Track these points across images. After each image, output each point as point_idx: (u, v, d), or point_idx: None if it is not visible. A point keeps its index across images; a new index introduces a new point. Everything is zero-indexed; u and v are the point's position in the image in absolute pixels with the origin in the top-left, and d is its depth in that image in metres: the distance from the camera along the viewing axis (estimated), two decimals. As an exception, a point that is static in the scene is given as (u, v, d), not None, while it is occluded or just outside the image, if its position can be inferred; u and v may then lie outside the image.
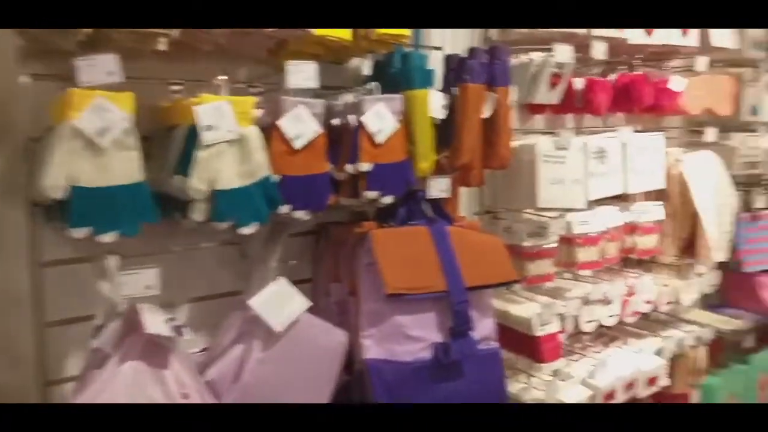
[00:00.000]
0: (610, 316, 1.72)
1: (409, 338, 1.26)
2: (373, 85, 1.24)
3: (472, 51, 1.36)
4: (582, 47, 1.56)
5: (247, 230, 1.07)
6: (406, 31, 1.25)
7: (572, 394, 1.62)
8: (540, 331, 1.49)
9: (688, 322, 2.09)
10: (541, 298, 1.63)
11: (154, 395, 1.00)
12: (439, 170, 1.37)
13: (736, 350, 2.34)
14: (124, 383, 0.97)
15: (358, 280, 1.27)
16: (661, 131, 1.90)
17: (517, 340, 1.56)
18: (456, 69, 1.36)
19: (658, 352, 1.89)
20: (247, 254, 1.28)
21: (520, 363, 1.61)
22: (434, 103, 1.32)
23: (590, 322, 1.66)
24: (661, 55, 1.91)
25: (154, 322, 1.00)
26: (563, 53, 1.50)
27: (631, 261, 2.02)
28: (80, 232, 0.94)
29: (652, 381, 1.81)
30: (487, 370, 1.32)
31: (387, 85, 1.27)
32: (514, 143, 1.51)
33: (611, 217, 1.69)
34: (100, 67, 0.94)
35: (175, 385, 1.02)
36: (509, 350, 1.58)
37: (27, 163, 1.03)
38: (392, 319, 1.25)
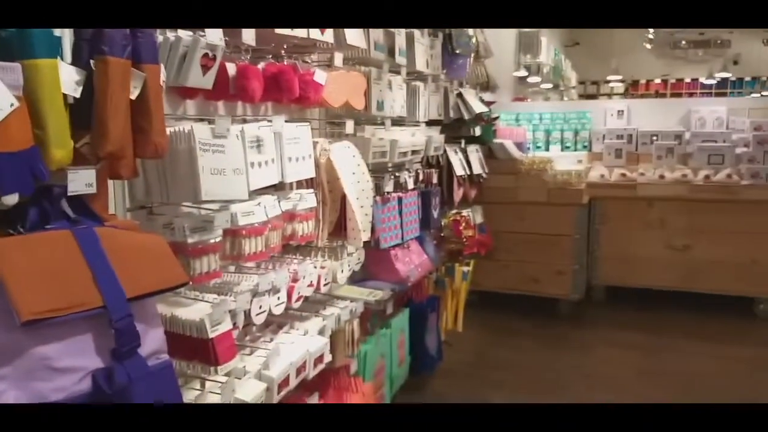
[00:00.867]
0: (278, 304, 1.73)
1: (58, 371, 1.01)
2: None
3: (111, 20, 1.16)
4: (229, 31, 1.50)
5: None
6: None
7: (247, 390, 1.57)
8: (213, 333, 1.39)
9: (342, 298, 2.26)
10: (208, 296, 1.52)
11: None
12: (80, 160, 1.13)
13: (379, 317, 2.66)
14: None
15: (-25, 308, 0.96)
16: (305, 122, 1.99)
17: (186, 345, 1.43)
18: (90, 39, 1.13)
19: (321, 331, 1.99)
20: None
21: (191, 369, 1.48)
22: (65, 77, 1.08)
23: (260, 313, 1.64)
24: (304, 48, 1.99)
25: None
26: (214, 34, 1.42)
27: (288, 247, 2.08)
28: None
29: (318, 360, 1.90)
30: (161, 388, 1.15)
31: (-4, 52, 0.98)
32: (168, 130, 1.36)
33: (272, 206, 1.69)
34: None
35: None
36: (179, 358, 1.44)
37: None
38: (32, 351, 0.98)
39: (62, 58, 1.09)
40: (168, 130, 1.39)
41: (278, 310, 1.73)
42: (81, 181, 1.11)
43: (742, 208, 4.12)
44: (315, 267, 1.96)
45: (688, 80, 11.58)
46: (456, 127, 3.67)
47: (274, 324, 1.97)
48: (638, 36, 11.32)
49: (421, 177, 3.01)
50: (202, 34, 1.39)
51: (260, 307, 1.64)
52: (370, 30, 2.23)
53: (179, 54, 1.39)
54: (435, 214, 3.15)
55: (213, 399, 1.47)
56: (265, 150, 1.66)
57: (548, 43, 7.84)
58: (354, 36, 2.05)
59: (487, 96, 4.12)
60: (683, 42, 11.66)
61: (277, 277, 1.70)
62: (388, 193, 2.61)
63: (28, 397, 0.99)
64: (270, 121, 1.72)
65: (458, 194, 3.54)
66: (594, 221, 4.49)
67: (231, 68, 1.59)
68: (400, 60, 2.59)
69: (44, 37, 1.03)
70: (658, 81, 11.82)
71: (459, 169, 3.49)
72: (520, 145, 4.69)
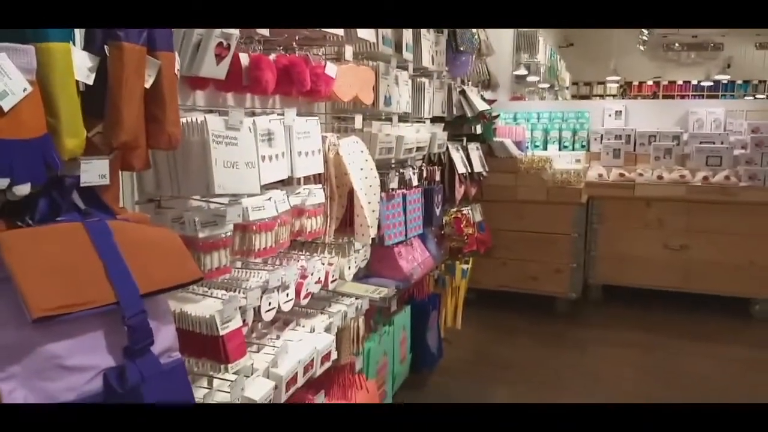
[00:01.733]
0: (287, 301, 1.69)
1: (68, 370, 0.97)
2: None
3: (126, 5, 1.11)
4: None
5: None
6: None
7: (256, 388, 1.53)
8: (224, 330, 1.35)
9: (347, 295, 2.23)
10: (217, 292, 1.48)
11: None
12: (91, 150, 1.09)
13: (382, 314, 2.62)
14: None
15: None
16: (313, 116, 1.95)
17: (196, 342, 1.39)
18: (105, 25, 1.09)
19: (328, 329, 1.96)
20: None
21: (199, 367, 1.44)
22: (78, 63, 1.03)
23: (269, 310, 1.60)
24: (314, 40, 1.95)
25: None
26: (228, 23, 1.37)
27: (296, 243, 2.04)
28: None
29: (325, 358, 1.86)
30: (173, 387, 1.11)
31: (7, 34, 0.93)
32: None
33: (282, 201, 1.65)
34: None
35: None
36: (188, 355, 1.40)
37: None
38: (42, 349, 0.94)
39: (74, 44, 1.05)
40: (182, 120, 1.35)
41: (287, 307, 1.69)
42: (94, 171, 1.06)
43: (740, 209, 4.12)
44: (323, 263, 1.92)
45: (680, 82, 11.65)
46: (458, 125, 3.64)
47: (280, 321, 1.93)
48: (632, 38, 11.36)
49: (424, 174, 2.98)
50: (217, 22, 1.34)
51: (269, 304, 1.60)
52: (380, 23, 2.19)
53: (193, 42, 1.35)
54: (437, 211, 3.12)
55: (221, 398, 1.43)
56: (276, 144, 1.62)
57: (545, 42, 7.84)
58: (364, 30, 2.01)
59: (488, 94, 4.10)
60: (676, 44, 11.72)
61: (286, 274, 1.66)
62: (392, 189, 2.58)
63: (37, 397, 0.95)
64: (281, 114, 1.68)
65: (460, 192, 3.51)
66: (592, 220, 4.48)
67: (244, 59, 1.55)
68: (407, 55, 2.56)
69: (58, 19, 0.99)
70: (650, 83, 11.87)
71: (461, 167, 3.46)
72: (518, 144, 4.67)
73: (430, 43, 2.83)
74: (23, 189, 0.94)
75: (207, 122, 1.32)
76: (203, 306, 1.39)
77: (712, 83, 11.13)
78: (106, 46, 1.07)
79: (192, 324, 1.37)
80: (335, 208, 2.01)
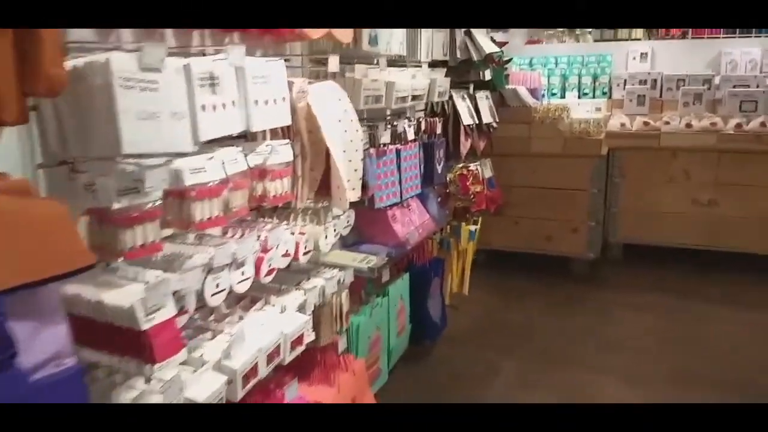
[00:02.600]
0: (242, 280, 1.43)
1: None
2: None
3: None
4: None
5: None
6: None
7: (202, 386, 1.29)
8: (147, 323, 1.10)
9: (331, 266, 1.96)
10: (149, 274, 1.22)
11: None
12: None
13: (375, 284, 2.36)
14: None
15: None
16: (280, 57, 1.64)
17: (118, 337, 1.13)
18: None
19: (302, 307, 1.70)
20: None
21: (125, 365, 1.19)
22: None
23: (217, 293, 1.34)
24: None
25: None
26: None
27: (265, 211, 1.77)
28: None
29: (297, 341, 1.61)
30: (63, 401, 0.87)
31: None
32: (76, 60, 1.03)
33: (233, 161, 1.37)
34: None
35: None
36: (110, 352, 1.15)
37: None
38: None
39: None
40: (82, 61, 1.06)
41: (242, 288, 1.43)
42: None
43: (778, 159, 3.74)
44: (292, 233, 1.65)
45: (711, 23, 10.92)
46: (463, 71, 3.28)
47: (247, 299, 1.68)
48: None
49: (423, 126, 2.66)
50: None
51: (217, 286, 1.34)
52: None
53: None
54: (439, 168, 2.82)
55: (154, 400, 1.18)
56: (222, 90, 1.33)
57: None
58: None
59: (499, 36, 3.71)
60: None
61: (239, 248, 1.39)
62: (384, 145, 2.28)
63: None
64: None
65: (465, 146, 3.19)
66: (613, 174, 4.13)
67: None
68: (398, -13, 2.21)
69: None
70: (679, 24, 11.17)
71: (467, 118, 3.13)
72: (534, 92, 4.30)
73: (427, -26, 2.46)
74: None
75: (111, 61, 1.03)
76: (124, 293, 1.13)
77: (745, 24, 10.41)
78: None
79: (108, 316, 1.11)
80: (308, 167, 1.72)
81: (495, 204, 3.69)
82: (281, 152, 1.55)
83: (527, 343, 3.07)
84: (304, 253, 1.71)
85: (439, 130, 2.82)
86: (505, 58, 3.74)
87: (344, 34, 1.84)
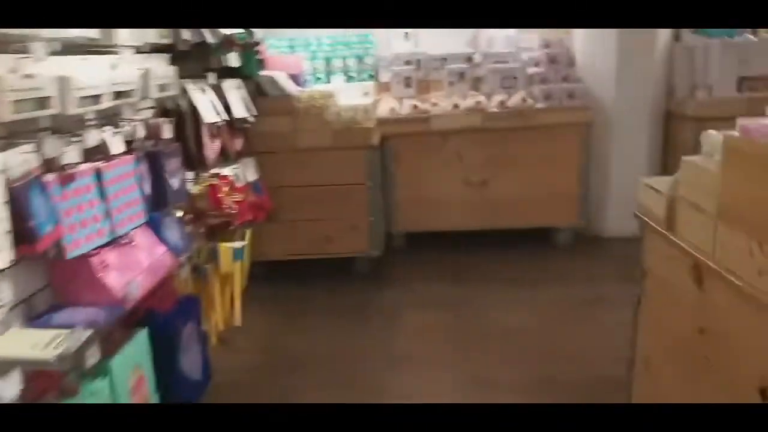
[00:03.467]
0: None
1: None
2: None
3: None
4: None
5: None
6: None
7: None
8: None
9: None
10: None
11: None
12: None
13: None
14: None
15: None
16: None
17: None
18: None
19: None
20: None
21: None
22: None
23: None
24: None
25: None
26: None
27: None
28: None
29: None
30: None
31: None
32: None
33: None
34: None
35: None
36: None
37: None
38: None
39: None
40: None
41: None
42: None
43: (539, 134, 3.79)
44: None
45: None
46: (200, 57, 2.67)
47: None
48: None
49: (140, 133, 2.01)
50: None
51: None
52: None
53: None
54: (175, 183, 2.19)
55: None
56: None
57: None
58: None
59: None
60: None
61: None
62: (68, 167, 1.59)
63: None
64: None
65: (213, 149, 2.60)
66: (388, 163, 3.87)
67: None
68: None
69: None
70: None
71: (210, 115, 2.54)
72: (296, 78, 3.83)
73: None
74: None
75: None
76: None
77: None
78: None
79: None
80: None
81: (263, 211, 3.17)
82: None
83: (314, 374, 2.63)
84: None
85: (168, 135, 2.19)
86: (253, 41, 3.19)
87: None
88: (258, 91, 3.41)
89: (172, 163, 2.19)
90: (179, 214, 2.37)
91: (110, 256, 1.78)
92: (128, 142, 1.92)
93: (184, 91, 2.45)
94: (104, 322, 1.64)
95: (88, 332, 1.53)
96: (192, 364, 2.26)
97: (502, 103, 3.84)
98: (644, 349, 1.89)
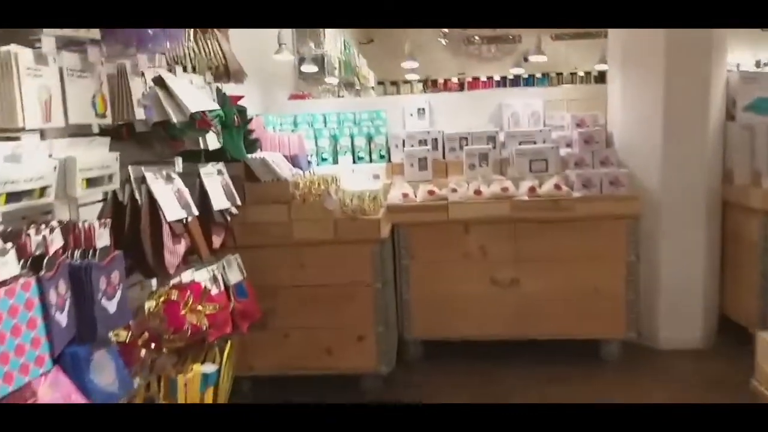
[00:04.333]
0: None
1: None
2: None
3: None
4: None
5: None
6: None
7: None
8: None
9: None
10: None
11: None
12: None
13: None
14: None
15: None
16: None
17: None
18: None
19: None
20: None
21: None
22: None
23: None
24: None
25: None
26: None
27: None
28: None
29: None
30: None
31: None
32: None
33: None
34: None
35: None
36: None
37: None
38: None
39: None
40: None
41: None
42: None
43: (578, 227, 3.22)
44: None
45: (483, 78, 11.32)
46: (180, 138, 2.19)
47: None
48: (433, 32, 10.79)
49: (56, 244, 1.48)
50: None
51: None
52: None
53: None
54: (111, 305, 1.65)
55: None
56: None
57: (336, 34, 6.71)
58: None
59: (231, 88, 2.69)
60: (476, 38, 11.40)
61: None
62: None
63: None
64: None
65: (176, 253, 2.07)
66: (400, 256, 3.32)
67: None
68: None
69: None
70: (455, 80, 11.42)
71: (172, 211, 2.03)
72: (295, 159, 3.36)
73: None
74: None
75: None
76: None
77: (512, 77, 10.92)
78: None
79: None
80: None
81: (249, 319, 2.61)
82: None
83: None
84: None
85: (105, 241, 1.66)
86: (244, 117, 2.74)
87: None
88: (247, 176, 2.93)
89: (112, 279, 1.66)
90: (121, 339, 1.83)
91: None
92: (36, 259, 1.40)
93: (143, 181, 1.97)
94: None
95: None
96: None
97: (532, 190, 3.31)
98: None
